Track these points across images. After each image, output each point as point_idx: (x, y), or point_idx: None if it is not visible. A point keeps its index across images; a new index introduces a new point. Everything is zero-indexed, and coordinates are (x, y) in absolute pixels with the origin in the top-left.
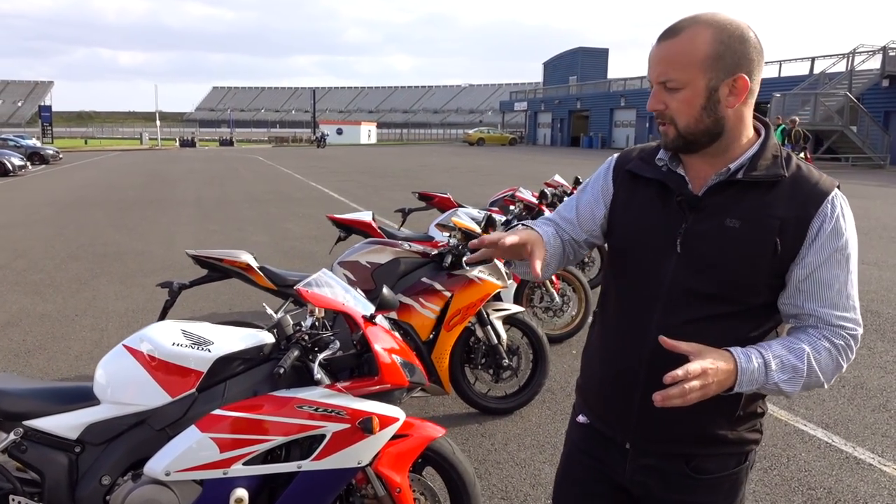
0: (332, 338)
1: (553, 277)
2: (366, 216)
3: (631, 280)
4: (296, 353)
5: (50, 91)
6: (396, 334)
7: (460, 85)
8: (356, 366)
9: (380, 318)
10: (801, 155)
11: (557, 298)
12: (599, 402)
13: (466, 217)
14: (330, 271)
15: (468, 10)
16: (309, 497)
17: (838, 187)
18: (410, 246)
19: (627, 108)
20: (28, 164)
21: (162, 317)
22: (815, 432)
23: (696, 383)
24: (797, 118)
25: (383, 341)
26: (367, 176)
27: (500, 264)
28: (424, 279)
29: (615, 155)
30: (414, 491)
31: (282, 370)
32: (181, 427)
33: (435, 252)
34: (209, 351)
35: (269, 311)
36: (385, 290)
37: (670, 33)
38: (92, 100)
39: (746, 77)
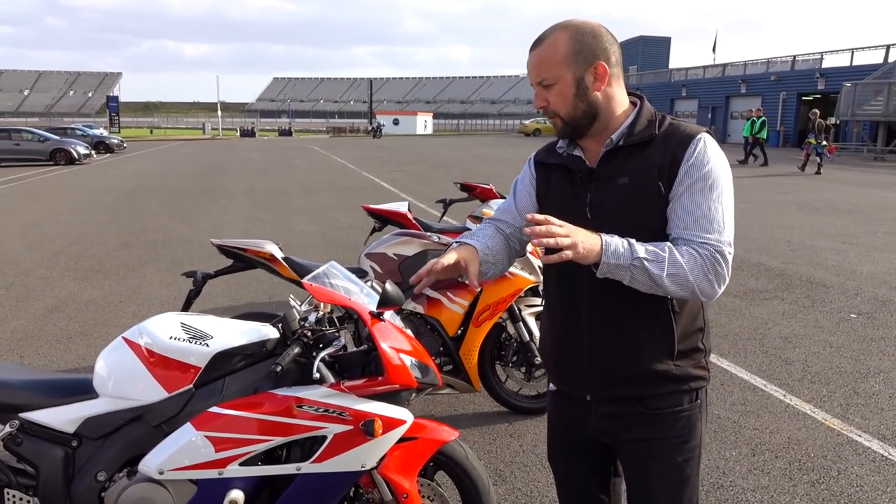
0: (336, 334)
1: None
2: (401, 207)
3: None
4: (296, 349)
5: (118, 82)
6: (409, 331)
7: (518, 75)
8: (365, 363)
9: (390, 315)
10: (824, 144)
11: None
12: (557, 366)
13: None
14: (338, 265)
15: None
16: (308, 500)
17: (707, 132)
18: (440, 238)
19: (689, 98)
20: (93, 152)
21: (186, 307)
22: (871, 444)
23: (560, 229)
24: (818, 111)
25: (392, 339)
26: (420, 166)
27: (532, 258)
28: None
29: (531, 154)
30: (423, 497)
31: (279, 368)
32: (177, 424)
33: None
34: (207, 346)
35: (294, 302)
36: (388, 285)
37: (537, 43)
38: (158, 90)
39: (605, 63)
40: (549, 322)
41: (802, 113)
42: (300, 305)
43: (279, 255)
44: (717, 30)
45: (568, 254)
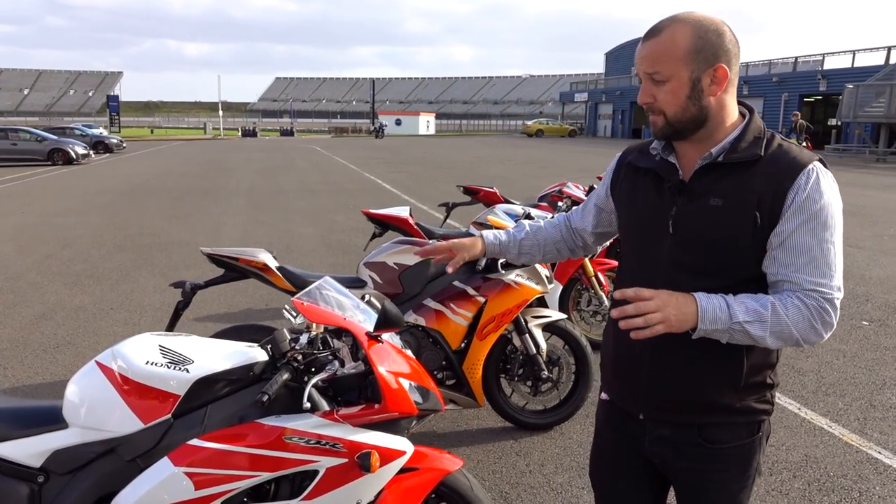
0: (329, 357)
1: (603, 280)
2: (403, 212)
3: (635, 261)
4: (286, 375)
5: (119, 81)
6: (408, 351)
7: (520, 76)
8: (361, 387)
9: (389, 335)
10: (804, 145)
11: (606, 301)
12: (615, 378)
13: (504, 215)
14: (332, 280)
15: (528, 0)
16: None
17: (820, 161)
18: None
19: None
20: (91, 152)
21: (173, 319)
22: (892, 462)
23: (650, 304)
24: (799, 113)
25: (390, 362)
26: (422, 167)
27: (539, 268)
28: (456, 283)
29: (621, 152)
30: None
31: (266, 397)
32: (154, 458)
33: None
34: (188, 371)
35: (289, 314)
36: (387, 304)
37: (653, 33)
38: (159, 90)
39: (725, 66)
40: (615, 329)
41: (804, 115)
42: (295, 318)
43: (273, 264)
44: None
45: (659, 328)
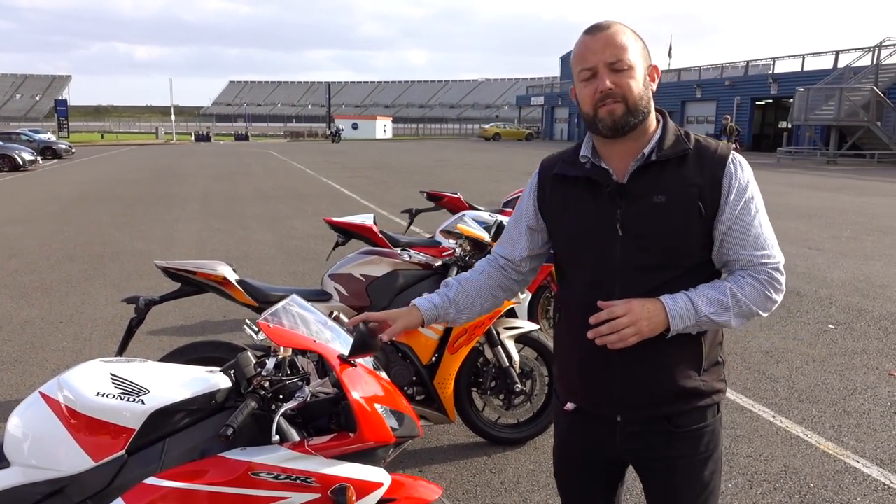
0: (299, 383)
1: None
2: (366, 219)
3: (586, 270)
4: (252, 405)
5: (68, 85)
6: (383, 374)
7: (477, 80)
8: (334, 413)
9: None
10: (735, 147)
11: None
12: (583, 386)
13: (474, 223)
14: (300, 298)
15: (484, 4)
16: None
17: (734, 149)
18: (411, 256)
19: None
20: (39, 158)
21: (126, 338)
22: (870, 470)
23: (624, 319)
24: (729, 116)
25: (364, 387)
26: (380, 171)
27: None
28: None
29: (538, 168)
30: None
31: (230, 430)
32: (106, 499)
33: (439, 263)
34: (143, 402)
35: (250, 329)
36: (362, 327)
37: (604, 27)
38: (109, 94)
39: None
40: (572, 339)
41: (756, 117)
42: (257, 334)
43: (233, 277)
44: (672, 35)
45: (633, 340)
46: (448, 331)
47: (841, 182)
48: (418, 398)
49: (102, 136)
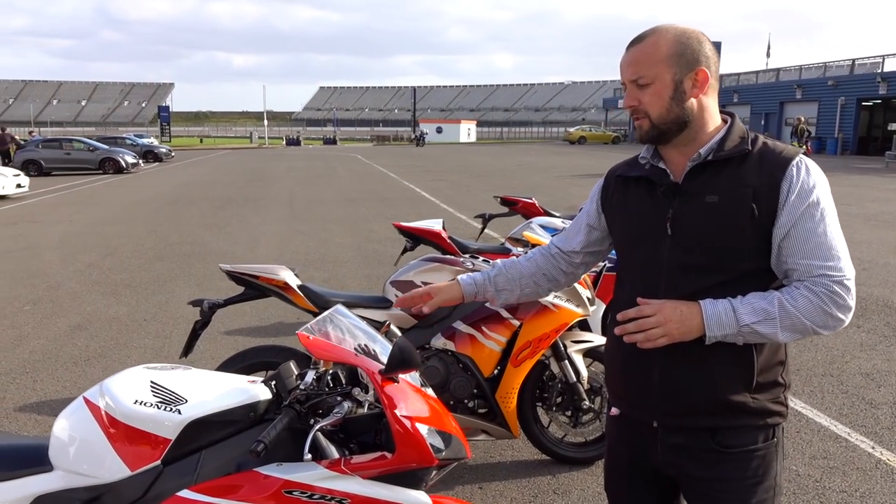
0: (338, 399)
1: None
2: (435, 225)
3: (636, 269)
4: (285, 420)
5: (171, 92)
6: (429, 390)
7: (563, 82)
8: (377, 430)
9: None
10: (804, 149)
11: None
12: (625, 388)
13: (541, 229)
14: (344, 308)
15: (570, 5)
16: None
17: (804, 154)
18: (474, 263)
19: (741, 104)
20: (141, 161)
21: (191, 339)
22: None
23: (651, 320)
24: (802, 117)
25: (407, 405)
26: (461, 175)
27: (580, 288)
28: (489, 304)
29: (606, 173)
30: None
31: (261, 446)
32: None
33: None
34: (179, 412)
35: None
36: (402, 341)
37: (636, 41)
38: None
39: (706, 70)
40: (617, 340)
41: (863, 119)
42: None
43: (294, 283)
44: (770, 33)
45: (661, 341)
46: (511, 343)
47: None
48: (480, 411)
49: (201, 141)
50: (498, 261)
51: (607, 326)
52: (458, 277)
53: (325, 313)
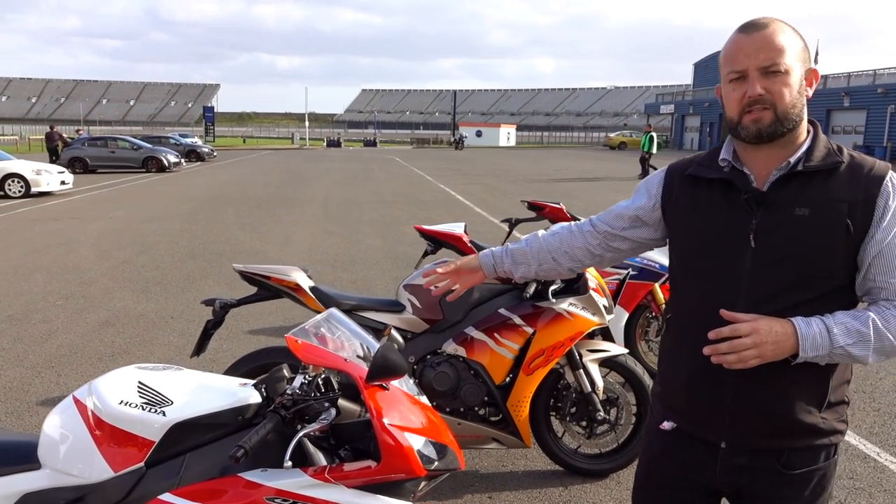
0: (326, 405)
1: None
2: (457, 228)
3: (708, 280)
4: (269, 426)
5: (216, 93)
6: (424, 399)
7: (605, 87)
8: (369, 436)
9: (402, 381)
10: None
11: None
12: (688, 403)
13: None
14: (339, 313)
15: (614, 10)
16: None
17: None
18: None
19: None
20: (183, 160)
21: (202, 339)
22: None
23: (747, 340)
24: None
25: (397, 413)
26: (497, 179)
27: (596, 296)
28: (502, 310)
29: (667, 165)
30: None
31: (241, 451)
32: None
33: None
34: (164, 414)
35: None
36: (384, 349)
37: (761, 26)
38: (252, 101)
39: (818, 71)
40: (681, 352)
41: None
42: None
43: (306, 284)
44: (819, 39)
45: (753, 362)
46: (524, 350)
47: None
48: (492, 419)
49: (244, 141)
50: (527, 235)
51: (662, 338)
52: (479, 253)
53: (319, 316)
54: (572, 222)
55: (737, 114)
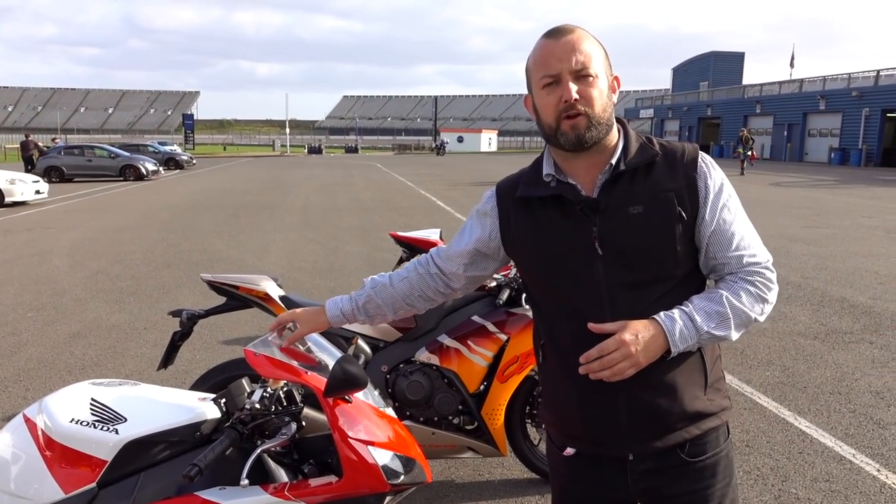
0: (286, 419)
1: None
2: (432, 235)
3: (570, 299)
4: (226, 442)
5: (196, 100)
6: (390, 411)
7: None
8: (332, 451)
9: (366, 392)
10: (750, 154)
11: None
12: (585, 428)
13: None
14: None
15: (592, 16)
16: None
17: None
18: None
19: (763, 115)
20: (161, 169)
21: (169, 352)
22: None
23: (616, 354)
24: (745, 129)
25: (360, 426)
26: (479, 185)
27: None
28: (475, 317)
29: (492, 190)
30: None
31: (194, 469)
32: None
33: (493, 284)
34: (116, 432)
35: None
36: (343, 359)
37: (568, 31)
38: (233, 108)
39: (618, 78)
40: (566, 374)
41: (888, 131)
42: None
43: (276, 293)
44: (794, 44)
45: (629, 372)
46: (498, 358)
47: None
48: (467, 427)
49: (225, 149)
50: (366, 281)
51: (541, 365)
52: (327, 304)
53: (280, 327)
54: (416, 259)
55: (554, 119)
